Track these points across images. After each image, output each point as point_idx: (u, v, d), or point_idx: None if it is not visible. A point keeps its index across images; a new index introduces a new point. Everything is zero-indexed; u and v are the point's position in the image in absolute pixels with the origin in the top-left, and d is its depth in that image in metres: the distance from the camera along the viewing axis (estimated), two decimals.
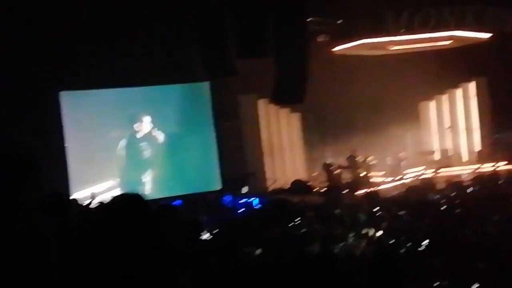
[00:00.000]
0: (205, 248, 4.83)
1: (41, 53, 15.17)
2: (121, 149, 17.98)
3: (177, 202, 14.33)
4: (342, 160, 19.66)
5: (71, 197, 12.91)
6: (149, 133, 18.29)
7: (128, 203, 2.43)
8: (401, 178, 19.73)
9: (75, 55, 15.68)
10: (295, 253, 6.56)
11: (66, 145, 16.81)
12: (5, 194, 2.17)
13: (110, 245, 2.32)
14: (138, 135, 18.24)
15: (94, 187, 14.04)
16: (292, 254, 6.68)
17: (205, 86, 18.75)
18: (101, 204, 8.19)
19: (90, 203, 11.89)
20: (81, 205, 11.39)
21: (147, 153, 18.30)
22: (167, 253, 2.94)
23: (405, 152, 21.00)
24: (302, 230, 11.18)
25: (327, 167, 18.62)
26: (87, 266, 2.85)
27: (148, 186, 17.78)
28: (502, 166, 19.10)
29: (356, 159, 19.71)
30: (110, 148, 17.79)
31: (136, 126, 18.16)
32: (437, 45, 19.64)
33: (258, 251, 7.50)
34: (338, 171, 19.44)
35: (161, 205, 3.83)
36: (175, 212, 3.60)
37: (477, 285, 7.19)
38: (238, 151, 19.11)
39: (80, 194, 13.48)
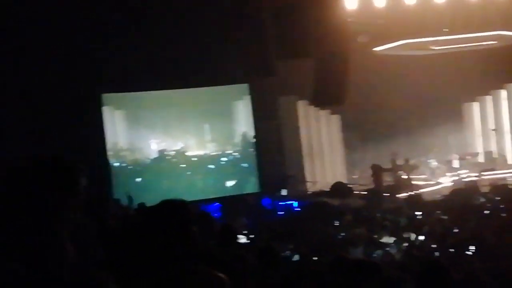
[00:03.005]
0: (242, 252, 4.78)
1: (82, 57, 15.42)
2: (162, 155, 18.14)
3: (217, 205, 14.34)
4: (383, 162, 19.37)
5: (113, 198, 13.07)
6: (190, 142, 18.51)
7: (171, 209, 2.43)
8: (444, 181, 19.38)
9: (116, 59, 15.82)
10: (334, 258, 6.45)
11: (108, 146, 17.03)
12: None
13: (150, 248, 2.34)
14: (179, 143, 18.42)
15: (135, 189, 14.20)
16: (332, 259, 6.57)
17: (245, 87, 18.71)
18: (142, 206, 8.23)
19: (129, 205, 12.00)
20: (121, 206, 11.53)
21: (187, 158, 18.37)
22: (204, 257, 2.92)
23: (449, 155, 20.61)
24: (342, 234, 11.05)
25: (376, 169, 18.13)
26: (126, 267, 2.86)
27: (189, 189, 17.79)
28: None
29: (398, 161, 19.42)
30: (152, 152, 18.06)
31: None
32: (482, 45, 19.20)
33: (297, 257, 7.41)
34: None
35: (198, 212, 3.80)
36: (210, 219, 3.56)
37: None
38: (277, 153, 19.03)
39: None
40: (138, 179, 17.58)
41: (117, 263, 2.92)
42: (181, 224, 2.37)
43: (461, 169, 19.73)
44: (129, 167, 17.76)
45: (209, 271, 2.38)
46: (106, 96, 17.17)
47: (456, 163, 19.21)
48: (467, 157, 21.12)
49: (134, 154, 17.92)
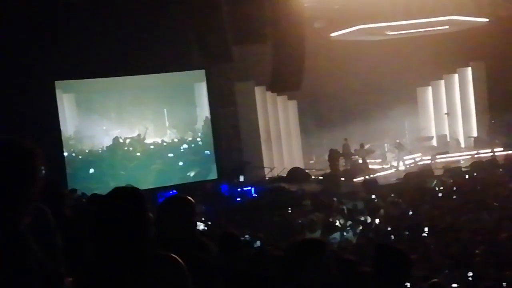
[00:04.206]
0: (205, 240, 4.78)
1: (36, 46, 15.06)
2: (117, 144, 17.46)
3: (173, 192, 14.24)
4: (339, 147, 19.57)
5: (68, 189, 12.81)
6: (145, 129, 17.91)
7: (124, 197, 2.41)
8: (399, 165, 19.68)
9: (70, 46, 15.46)
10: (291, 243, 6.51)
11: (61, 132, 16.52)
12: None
13: (105, 235, 2.33)
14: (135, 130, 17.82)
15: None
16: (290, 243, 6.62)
17: (201, 73, 18.47)
18: (96, 196, 8.12)
19: (83, 196, 11.75)
20: (76, 196, 11.33)
21: (145, 146, 17.76)
22: (161, 243, 2.91)
23: (403, 139, 20.93)
24: (300, 220, 11.16)
25: (333, 154, 18.17)
26: (81, 255, 2.85)
27: (146, 176, 17.40)
28: (499, 152, 19.03)
29: (351, 146, 19.62)
30: (106, 140, 17.39)
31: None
32: (435, 30, 19.51)
33: (258, 243, 7.44)
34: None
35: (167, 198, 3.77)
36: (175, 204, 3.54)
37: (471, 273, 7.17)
38: (234, 139, 18.99)
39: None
40: (91, 170, 16.72)
41: (73, 251, 2.91)
42: (133, 212, 2.35)
43: (416, 153, 20.12)
44: (80, 157, 16.84)
45: (163, 254, 2.37)
46: (59, 83, 16.63)
47: (410, 147, 19.53)
48: (422, 141, 21.46)
49: (86, 142, 16.97)
